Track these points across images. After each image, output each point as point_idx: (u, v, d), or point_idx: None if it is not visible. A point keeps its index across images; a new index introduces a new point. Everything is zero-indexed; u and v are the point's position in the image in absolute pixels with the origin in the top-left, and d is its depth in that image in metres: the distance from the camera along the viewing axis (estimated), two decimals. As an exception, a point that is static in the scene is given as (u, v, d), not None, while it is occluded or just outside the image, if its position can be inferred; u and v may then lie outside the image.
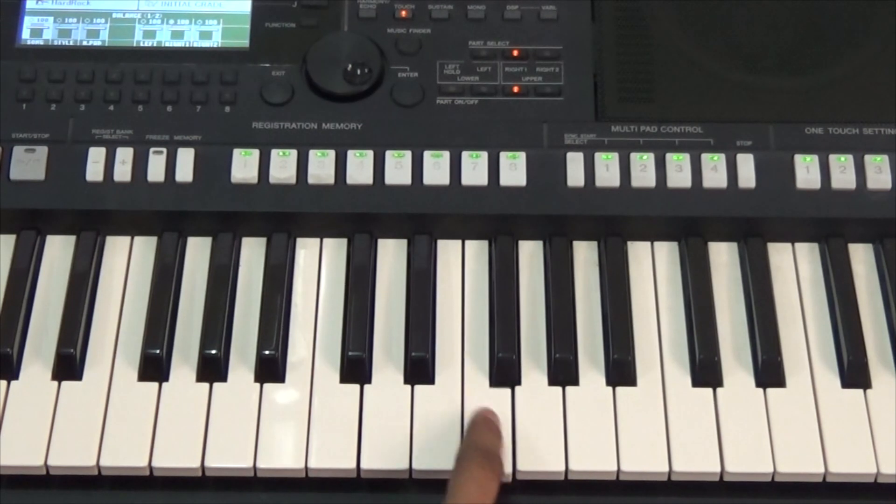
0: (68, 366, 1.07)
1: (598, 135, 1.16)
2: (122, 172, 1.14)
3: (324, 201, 1.13)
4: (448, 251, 1.15)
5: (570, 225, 1.14)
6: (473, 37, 1.20)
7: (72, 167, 1.14)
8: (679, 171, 1.14)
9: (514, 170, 1.14)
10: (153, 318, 1.09)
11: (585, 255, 1.14)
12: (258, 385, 1.07)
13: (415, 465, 1.03)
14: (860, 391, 1.07)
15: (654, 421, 1.05)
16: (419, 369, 1.07)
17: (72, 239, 1.14)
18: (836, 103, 1.17)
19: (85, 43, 1.20)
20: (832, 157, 1.14)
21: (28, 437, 1.04)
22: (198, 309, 1.11)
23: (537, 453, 1.04)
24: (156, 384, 1.07)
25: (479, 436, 1.02)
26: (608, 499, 1.05)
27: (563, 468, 1.03)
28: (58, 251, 1.14)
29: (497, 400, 1.06)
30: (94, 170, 1.14)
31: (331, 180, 1.14)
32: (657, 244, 1.15)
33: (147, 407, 1.06)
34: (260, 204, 1.13)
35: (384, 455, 1.04)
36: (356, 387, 1.07)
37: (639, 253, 1.15)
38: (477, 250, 1.15)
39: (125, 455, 1.04)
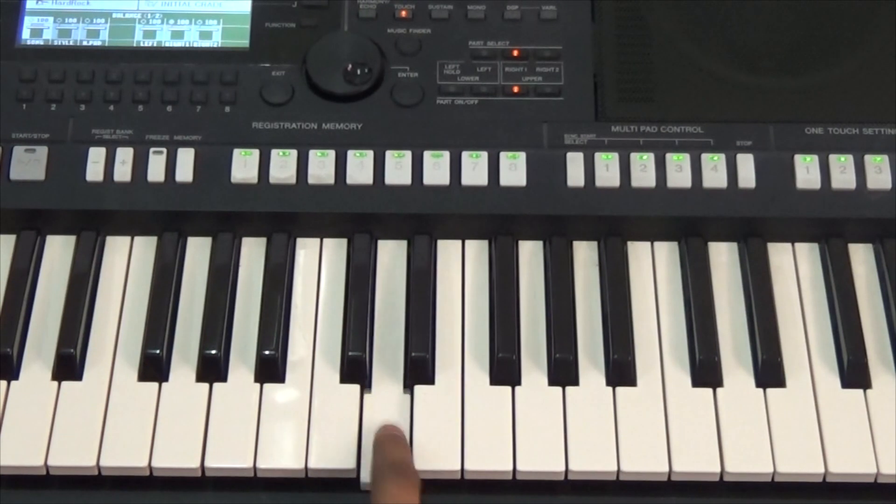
0: (68, 366, 1.07)
1: (598, 135, 1.16)
2: (122, 172, 1.14)
3: (324, 201, 1.13)
4: (448, 251, 1.15)
5: (570, 225, 1.14)
6: (473, 37, 1.20)
7: (72, 167, 1.14)
8: (679, 171, 1.14)
9: (514, 170, 1.14)
10: (153, 318, 1.09)
11: (585, 255, 1.14)
12: (258, 385, 1.07)
13: (415, 465, 1.03)
14: (860, 391, 1.07)
15: (654, 421, 1.05)
16: (419, 369, 1.07)
17: (72, 239, 1.14)
18: (836, 103, 1.17)
19: (85, 43, 1.20)
20: (832, 157, 1.14)
21: (28, 437, 1.04)
22: (198, 309, 1.11)
23: (537, 453, 1.04)
24: (156, 384, 1.07)
25: (388, 452, 1.01)
26: (608, 499, 1.05)
27: (563, 468, 1.03)
28: (58, 251, 1.14)
29: (497, 400, 1.06)
30: (94, 170, 1.14)
31: (331, 180, 1.14)
32: (657, 244, 1.15)
33: (147, 407, 1.06)
34: (260, 204, 1.13)
35: (384, 455, 1.04)
36: (356, 387, 1.07)
37: (639, 253, 1.15)
38: (477, 250, 1.15)
39: (125, 455, 1.04)
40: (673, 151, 1.15)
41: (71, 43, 1.20)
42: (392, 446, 1.02)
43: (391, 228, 1.14)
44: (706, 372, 1.07)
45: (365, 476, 1.03)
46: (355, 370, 1.07)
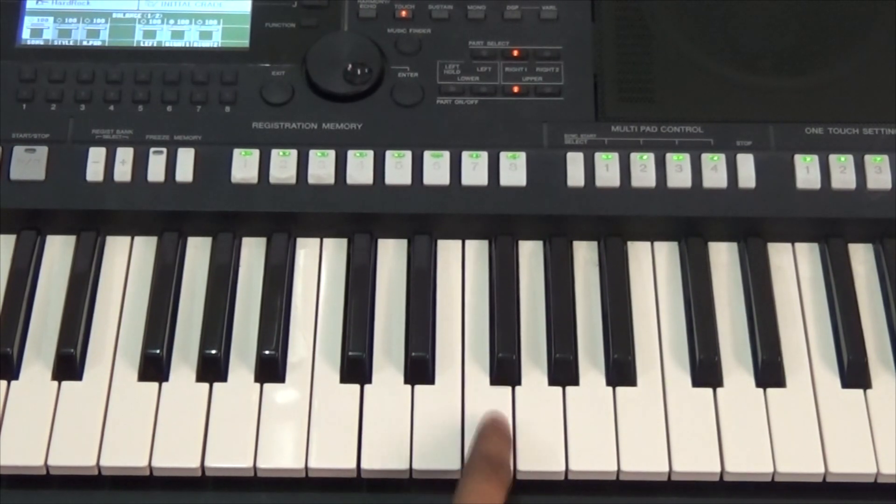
0: (68, 366, 1.07)
1: (598, 135, 1.16)
2: (122, 172, 1.14)
3: (324, 201, 1.13)
4: (448, 251, 1.15)
5: (570, 225, 1.14)
6: (473, 37, 1.20)
7: (72, 167, 1.14)
8: (679, 171, 1.14)
9: (514, 170, 1.14)
10: (153, 318, 1.09)
11: (585, 255, 1.14)
12: (258, 385, 1.07)
13: (415, 465, 1.03)
14: (860, 391, 1.07)
15: (654, 421, 1.05)
16: (419, 369, 1.07)
17: (72, 239, 1.14)
18: (836, 103, 1.17)
19: (85, 43, 1.20)
20: (832, 157, 1.14)
21: (28, 437, 1.04)
22: (198, 309, 1.11)
23: (537, 453, 1.04)
24: (156, 384, 1.07)
25: (487, 444, 1.01)
26: (608, 499, 1.05)
27: (563, 468, 1.03)
28: (58, 251, 1.14)
29: (497, 400, 1.06)
30: (94, 170, 1.14)
31: (331, 180, 1.14)
32: (657, 244, 1.15)
33: (147, 407, 1.06)
34: (260, 204, 1.13)
35: (384, 455, 1.04)
36: (356, 387, 1.07)
37: (639, 253, 1.15)
38: (477, 250, 1.15)
39: (125, 455, 1.04)
40: (673, 151, 1.15)
41: (71, 43, 1.20)
42: (493, 438, 1.02)
43: (391, 228, 1.14)
44: (706, 372, 1.07)
45: (365, 475, 1.04)
46: (355, 370, 1.07)
